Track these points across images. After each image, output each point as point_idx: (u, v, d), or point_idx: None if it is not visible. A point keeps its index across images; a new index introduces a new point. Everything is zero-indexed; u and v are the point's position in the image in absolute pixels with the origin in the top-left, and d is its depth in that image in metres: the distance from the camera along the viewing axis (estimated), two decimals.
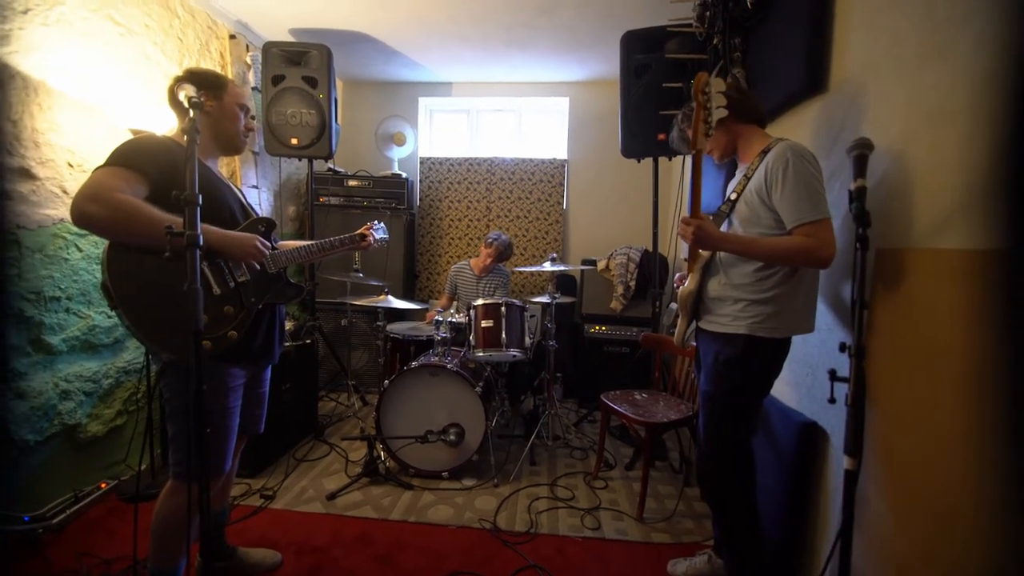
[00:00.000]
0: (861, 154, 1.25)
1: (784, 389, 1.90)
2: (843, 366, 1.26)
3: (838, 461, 1.55)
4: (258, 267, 1.45)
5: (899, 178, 1.33)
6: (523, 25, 3.13)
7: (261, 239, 1.43)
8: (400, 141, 3.95)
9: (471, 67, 3.89)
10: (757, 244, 1.41)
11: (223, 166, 3.09)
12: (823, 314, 1.66)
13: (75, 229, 2.02)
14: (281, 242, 1.62)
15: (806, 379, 1.77)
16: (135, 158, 1.27)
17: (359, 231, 1.74)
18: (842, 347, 1.19)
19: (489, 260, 3.35)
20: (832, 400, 1.19)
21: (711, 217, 1.51)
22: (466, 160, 4.20)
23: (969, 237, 1.09)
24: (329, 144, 3.04)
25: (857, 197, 1.22)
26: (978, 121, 1.08)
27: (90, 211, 1.19)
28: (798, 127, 1.88)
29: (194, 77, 1.39)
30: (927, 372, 1.19)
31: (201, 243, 1.03)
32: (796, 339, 1.55)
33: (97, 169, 1.25)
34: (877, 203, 1.29)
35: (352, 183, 3.79)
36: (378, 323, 3.10)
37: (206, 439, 0.98)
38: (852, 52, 1.59)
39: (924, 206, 1.24)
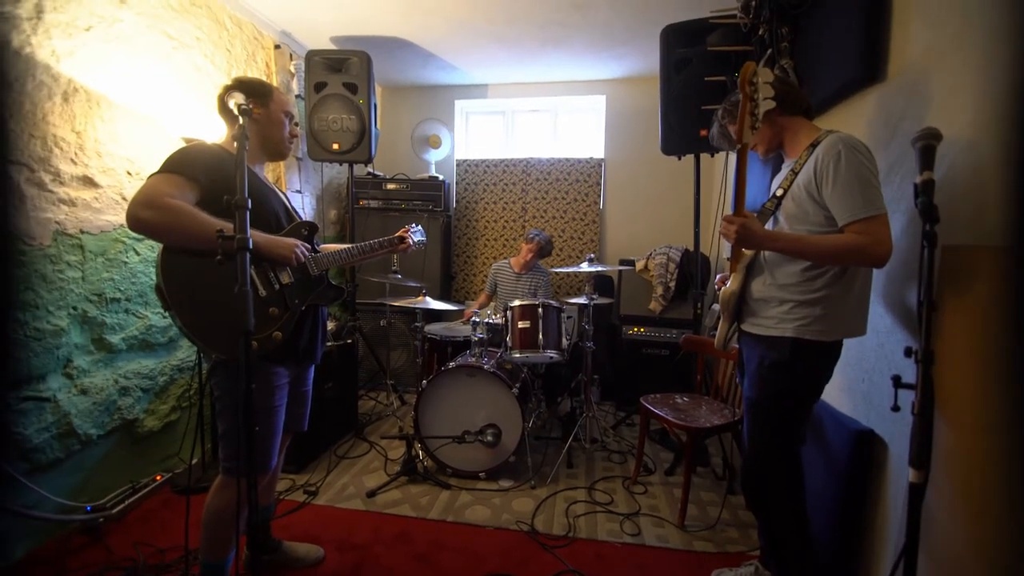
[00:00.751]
0: (928, 145, 1.16)
1: (837, 395, 1.80)
2: (906, 371, 1.18)
3: (898, 472, 1.46)
4: (300, 270, 1.49)
5: (968, 170, 1.24)
6: (557, 23, 3.10)
7: (303, 243, 1.47)
8: (436, 144, 3.99)
9: (506, 68, 3.89)
10: (805, 242, 1.34)
11: (269, 172, 3.20)
12: (882, 316, 1.56)
13: (133, 234, 2.13)
14: (323, 245, 1.66)
15: (862, 385, 1.67)
16: (186, 165, 1.32)
17: (397, 234, 1.76)
18: (908, 351, 1.11)
19: (530, 255, 3.34)
20: (896, 408, 1.11)
21: (755, 215, 1.44)
22: (502, 161, 4.20)
23: None
24: (369, 148, 3.10)
25: (924, 191, 1.14)
26: None
27: (144, 216, 1.25)
28: (851, 119, 1.78)
29: (242, 85, 1.44)
30: (998, 379, 1.10)
31: (251, 246, 1.05)
32: (851, 342, 1.47)
33: (151, 176, 1.31)
34: (943, 197, 1.20)
35: (390, 186, 3.86)
36: (416, 324, 3.13)
37: (254, 436, 1.00)
38: (913, 37, 1.49)
39: (996, 200, 1.15)
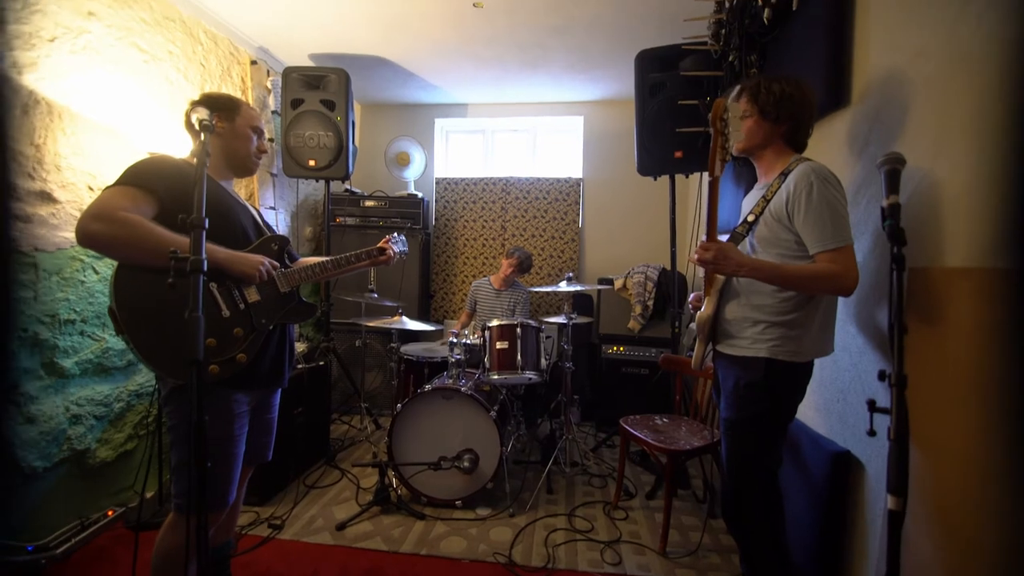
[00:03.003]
0: (893, 169, 1.18)
1: (813, 415, 1.80)
2: (879, 394, 1.18)
3: (875, 493, 1.46)
4: (269, 287, 1.43)
5: (932, 194, 1.27)
6: (536, 45, 3.15)
7: (269, 259, 1.41)
8: (404, 161, 3.94)
9: (486, 88, 3.92)
10: (780, 271, 1.36)
11: (241, 188, 3.13)
12: (854, 336, 1.58)
13: (93, 252, 2.04)
14: (300, 259, 1.60)
15: (837, 405, 1.67)
16: (145, 178, 1.26)
17: (378, 245, 1.71)
18: (881, 375, 1.10)
19: (510, 270, 3.33)
20: (872, 433, 1.11)
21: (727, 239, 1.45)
22: (481, 180, 4.20)
23: (1009, 256, 1.02)
24: (346, 165, 3.07)
25: (891, 214, 1.16)
26: (1013, 134, 1.02)
27: (93, 229, 1.18)
28: (818, 142, 1.82)
29: (208, 100, 1.40)
30: (969, 400, 1.11)
31: (205, 268, 1.00)
32: (825, 362, 1.47)
33: (106, 188, 1.25)
34: (909, 220, 1.22)
35: (368, 203, 3.82)
36: (392, 344, 3.06)
37: (206, 473, 0.93)
38: (874, 65, 1.54)
39: (961, 223, 1.17)
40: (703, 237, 1.43)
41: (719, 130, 1.36)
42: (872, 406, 1.12)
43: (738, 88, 1.44)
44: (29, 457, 1.84)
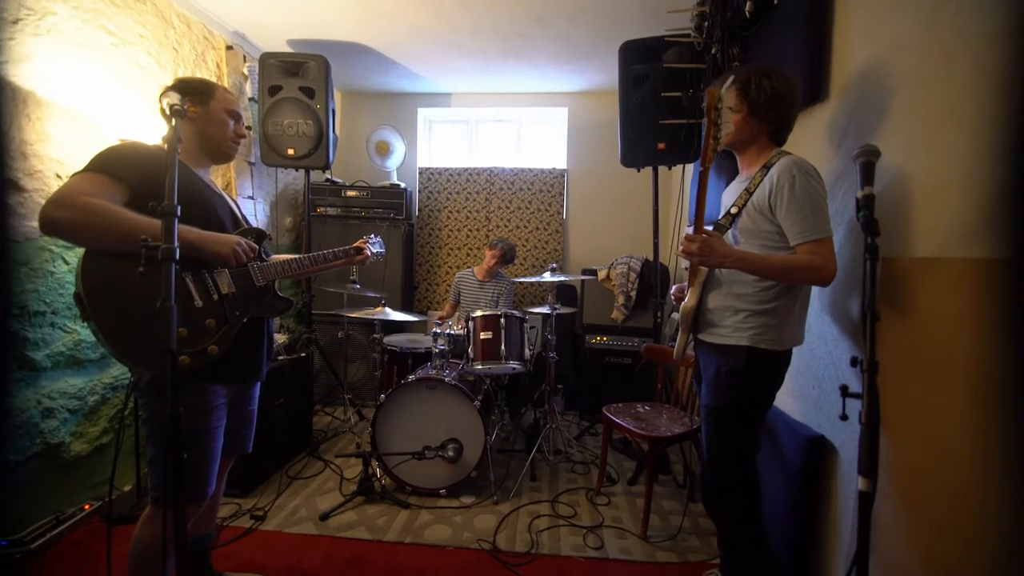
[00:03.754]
0: (868, 161, 1.21)
1: (789, 402, 1.85)
2: (852, 380, 1.21)
3: (847, 477, 1.50)
4: (243, 279, 1.40)
5: (905, 185, 1.30)
6: (520, 35, 3.12)
7: (244, 239, 1.37)
8: (383, 150, 3.89)
9: (470, 77, 3.88)
10: (762, 261, 1.38)
11: (218, 177, 3.06)
12: (828, 324, 1.61)
13: (62, 241, 1.98)
14: (274, 256, 1.57)
15: (812, 391, 1.72)
16: (113, 164, 1.23)
17: (355, 244, 1.69)
18: (854, 361, 1.14)
19: (494, 261, 3.33)
20: (844, 417, 1.14)
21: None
22: (465, 170, 4.17)
23: (977, 246, 1.05)
24: (326, 154, 3.01)
25: (865, 205, 1.19)
26: (985, 127, 1.05)
27: (55, 216, 1.14)
28: (797, 135, 1.84)
29: (180, 85, 1.36)
30: (938, 386, 1.15)
31: (177, 257, 0.97)
32: (801, 350, 1.51)
33: (72, 175, 1.21)
34: (882, 211, 1.25)
35: (350, 193, 3.76)
36: (375, 335, 3.04)
37: (182, 465, 0.92)
38: (853, 59, 1.56)
39: (932, 214, 1.21)
40: (687, 228, 1.44)
41: (712, 120, 1.34)
42: (845, 391, 1.15)
43: (730, 79, 1.43)
44: (1, 451, 1.79)
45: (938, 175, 1.19)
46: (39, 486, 1.94)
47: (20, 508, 1.87)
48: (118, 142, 1.36)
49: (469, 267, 3.57)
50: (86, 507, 2.05)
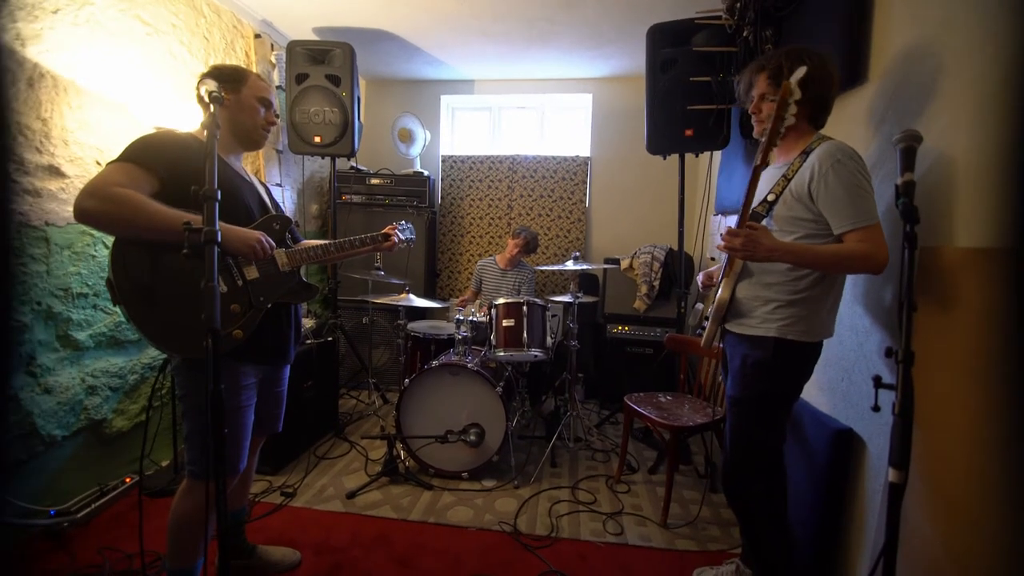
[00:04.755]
0: (909, 147, 1.16)
1: (816, 394, 1.82)
2: (884, 371, 1.19)
3: (875, 470, 1.48)
4: (268, 265, 1.44)
5: (946, 172, 1.25)
6: (545, 20, 3.08)
7: (266, 236, 1.39)
8: (405, 137, 3.89)
9: (493, 64, 3.85)
10: (811, 253, 1.32)
11: (248, 164, 3.12)
12: (861, 316, 1.58)
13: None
14: (304, 241, 1.60)
15: (841, 384, 1.69)
16: (144, 154, 1.26)
17: (383, 231, 1.70)
18: (888, 352, 1.11)
19: (516, 250, 3.34)
20: (877, 408, 1.12)
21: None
22: (488, 158, 4.16)
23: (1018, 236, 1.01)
24: (352, 142, 3.04)
25: (905, 192, 1.14)
26: None
27: (86, 206, 1.18)
28: (834, 120, 1.78)
29: (215, 72, 1.39)
30: (974, 380, 1.11)
31: (220, 240, 1.01)
32: (830, 341, 1.48)
33: (107, 164, 1.25)
34: (921, 199, 1.21)
35: (374, 181, 3.80)
36: (399, 321, 3.09)
37: (223, 439, 0.96)
38: (894, 41, 1.50)
39: (973, 202, 1.16)
40: (713, 218, 1.41)
41: (781, 116, 1.25)
42: (878, 382, 1.13)
43: (766, 68, 1.37)
44: (48, 426, 1.89)
45: (982, 162, 1.14)
46: (84, 459, 2.05)
47: (66, 480, 1.97)
48: (153, 130, 1.40)
49: (491, 255, 3.59)
50: (127, 480, 2.16)
